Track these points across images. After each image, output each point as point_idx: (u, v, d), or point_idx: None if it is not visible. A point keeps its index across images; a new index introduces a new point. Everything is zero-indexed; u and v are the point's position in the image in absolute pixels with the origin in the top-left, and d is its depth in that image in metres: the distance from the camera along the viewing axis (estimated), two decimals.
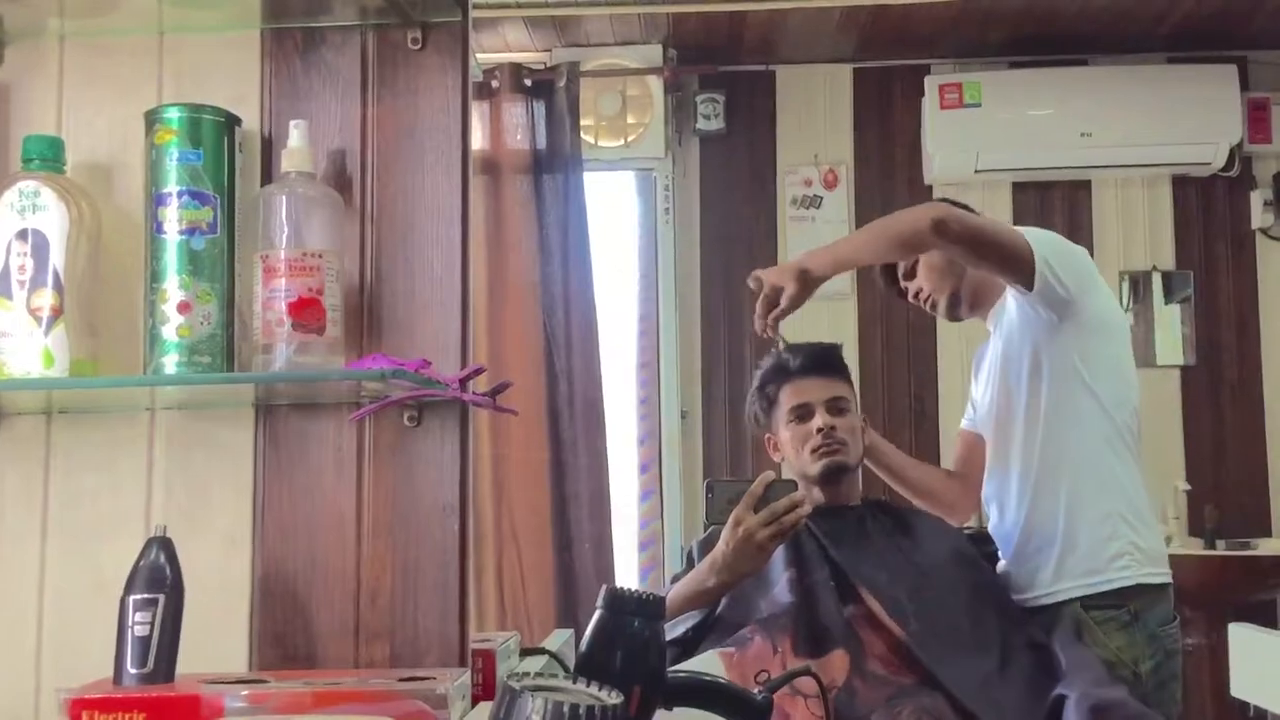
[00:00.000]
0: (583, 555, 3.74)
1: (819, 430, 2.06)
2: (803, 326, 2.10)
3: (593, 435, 3.81)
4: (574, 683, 0.83)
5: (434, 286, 1.24)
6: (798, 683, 1.78)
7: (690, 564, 2.09)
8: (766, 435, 2.19)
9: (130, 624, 1.07)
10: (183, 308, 1.14)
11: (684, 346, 3.92)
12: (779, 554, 1.93)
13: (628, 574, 3.85)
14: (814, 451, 2.06)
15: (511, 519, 3.65)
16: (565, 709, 0.76)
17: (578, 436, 3.82)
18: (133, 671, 1.06)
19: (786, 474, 2.10)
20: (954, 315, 2.23)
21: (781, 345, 2.07)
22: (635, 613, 1.45)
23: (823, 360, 2.17)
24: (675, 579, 2.10)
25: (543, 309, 3.80)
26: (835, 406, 2.10)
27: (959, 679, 1.80)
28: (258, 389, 1.20)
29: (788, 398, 2.12)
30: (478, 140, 3.58)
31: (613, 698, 0.80)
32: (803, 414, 2.10)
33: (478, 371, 1.16)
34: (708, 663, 1.82)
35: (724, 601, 1.96)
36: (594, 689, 0.82)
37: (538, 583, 3.66)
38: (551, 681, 0.83)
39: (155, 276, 1.15)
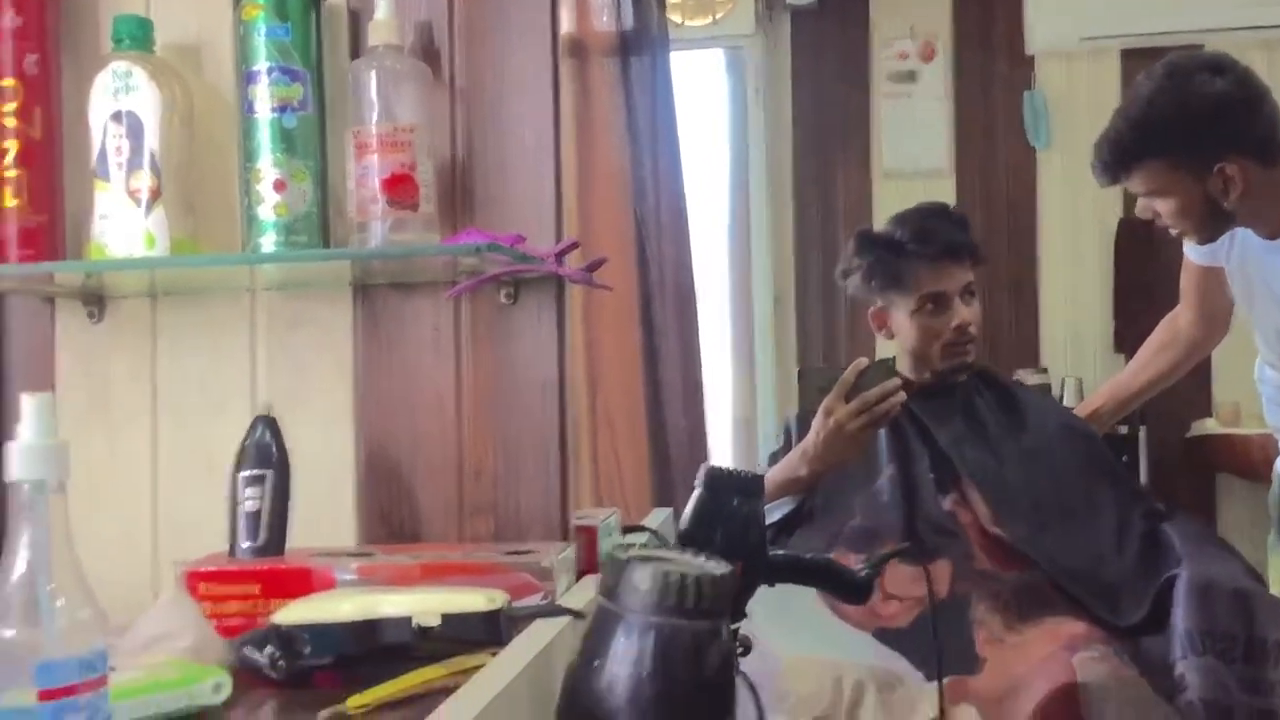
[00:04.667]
0: (677, 440, 3.75)
1: (955, 327, 1.89)
2: (901, 207, 2.00)
3: (685, 321, 3.78)
4: (681, 553, 0.83)
5: (526, 161, 1.21)
6: (897, 590, 1.74)
7: (787, 440, 2.04)
8: (873, 308, 2.02)
9: (241, 499, 1.09)
10: (278, 186, 1.13)
11: (775, 230, 3.85)
12: (878, 441, 1.86)
13: (721, 459, 3.86)
14: (945, 347, 1.90)
15: (606, 404, 3.65)
16: (674, 577, 0.75)
17: (669, 323, 3.78)
18: (245, 545, 1.09)
19: (888, 352, 2.02)
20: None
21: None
22: (735, 491, 1.44)
23: (962, 241, 1.93)
24: (773, 457, 2.06)
25: (632, 195, 3.75)
26: (968, 293, 1.92)
27: (1067, 567, 1.76)
28: (354, 269, 1.20)
29: (920, 282, 1.91)
30: (562, 23, 3.52)
31: (720, 567, 0.79)
32: (936, 304, 1.91)
33: (573, 245, 1.14)
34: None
35: (819, 493, 1.92)
36: (701, 559, 0.81)
37: (632, 467, 3.68)
38: (658, 552, 0.82)
39: (249, 155, 1.14)
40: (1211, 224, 1.83)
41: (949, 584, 1.76)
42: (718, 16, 3.75)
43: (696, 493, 1.46)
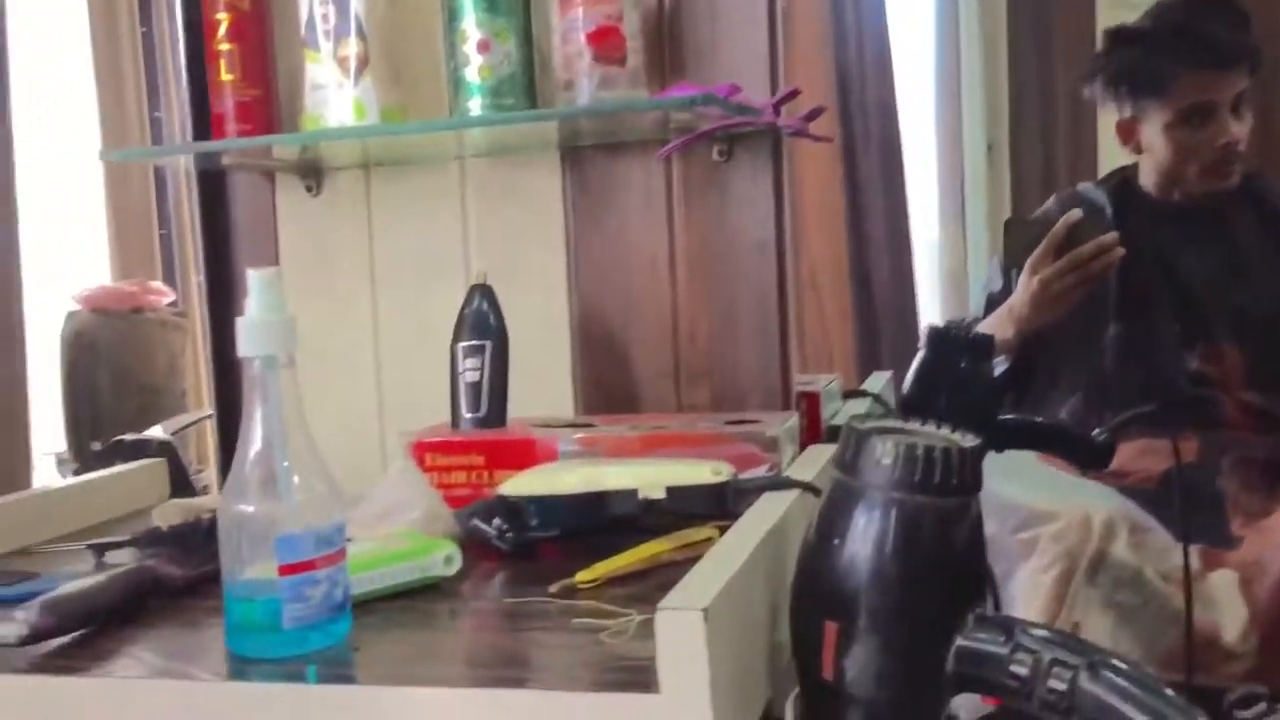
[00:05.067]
0: (884, 299, 3.64)
1: (1222, 145, 1.64)
2: None
3: (891, 174, 3.63)
4: (922, 425, 0.77)
5: (736, 5, 1.13)
6: (1137, 466, 1.62)
7: (1006, 282, 1.88)
8: (1121, 118, 1.77)
9: (461, 370, 1.09)
10: (482, 47, 1.09)
11: (989, 74, 3.61)
12: (1106, 287, 1.66)
13: (930, 314, 3.73)
14: (1205, 168, 1.67)
15: (810, 264, 3.57)
16: (919, 451, 0.69)
17: (874, 175, 3.65)
18: (467, 416, 1.09)
19: (1109, 134, 1.79)
20: None
21: None
22: (962, 351, 1.35)
23: (1238, 43, 1.64)
24: (989, 302, 1.89)
25: (834, 42, 3.58)
26: (1240, 104, 1.65)
27: None
28: (562, 131, 1.15)
29: (1182, 89, 1.65)
30: None
31: (968, 439, 0.73)
32: (1200, 116, 1.66)
33: (793, 94, 1.06)
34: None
35: (1038, 353, 1.78)
36: (946, 431, 0.75)
37: (839, 328, 3.61)
38: (897, 424, 0.77)
39: (452, 15, 1.10)
40: None
41: (1196, 456, 1.63)
42: None
43: (921, 354, 1.38)
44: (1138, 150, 1.76)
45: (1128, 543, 1.40)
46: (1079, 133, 3.51)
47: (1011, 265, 1.69)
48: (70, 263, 3.09)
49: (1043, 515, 1.50)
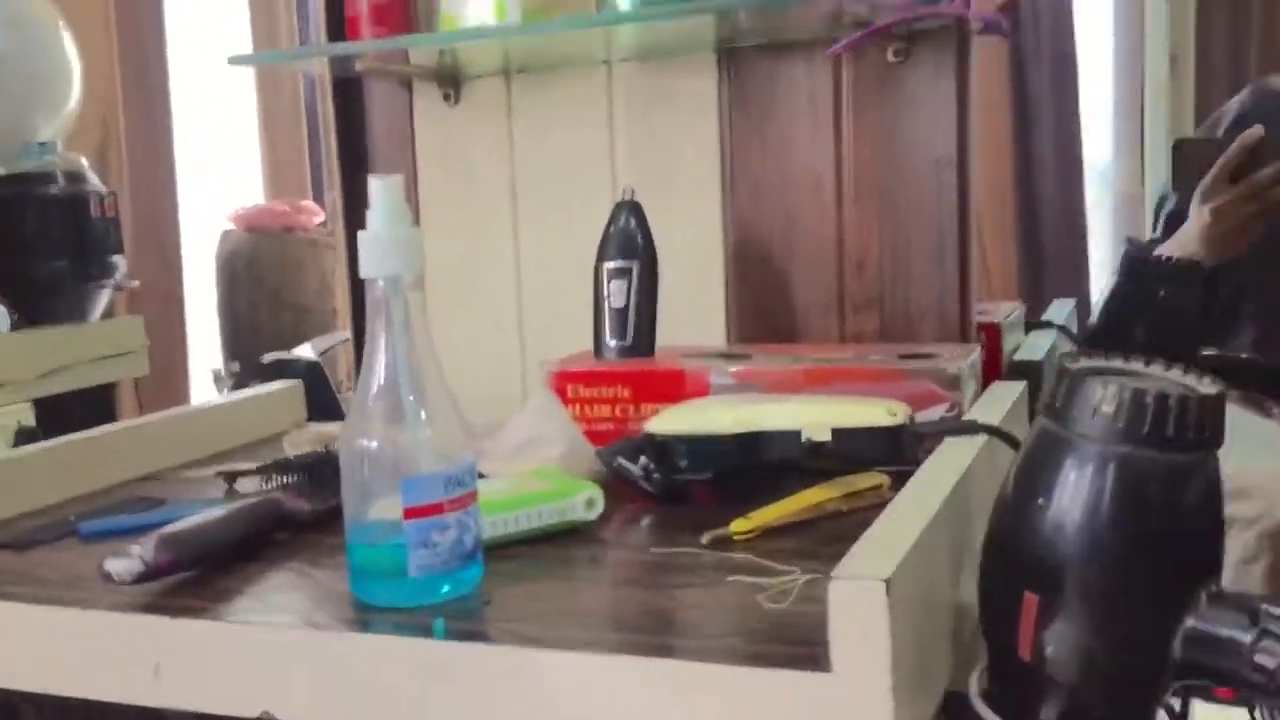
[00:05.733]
0: (1050, 218, 3.43)
1: None
2: None
3: (1063, 88, 3.40)
4: (1146, 366, 0.65)
5: None
6: None
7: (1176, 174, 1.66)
8: None
9: (606, 294, 1.00)
10: None
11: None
12: None
13: (1099, 243, 3.50)
14: None
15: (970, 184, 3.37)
16: (1149, 398, 0.58)
17: (1045, 90, 3.42)
18: (612, 344, 1.01)
19: None
20: None
21: None
22: (1164, 279, 1.21)
23: None
24: (1168, 221, 1.70)
25: None
26: None
27: None
28: (720, 30, 1.05)
29: None
30: None
31: (1208, 385, 0.61)
32: None
33: None
34: None
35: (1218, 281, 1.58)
36: (1177, 373, 0.63)
37: (999, 253, 3.42)
38: (1114, 364, 0.65)
39: None
40: None
41: None
42: None
43: (1115, 281, 1.23)
44: None
45: None
46: (1275, 43, 3.22)
47: (1181, 189, 1.49)
48: (225, 179, 3.12)
49: (1234, 491, 1.34)
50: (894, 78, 1.03)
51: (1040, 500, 0.61)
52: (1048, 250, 3.46)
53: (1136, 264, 1.30)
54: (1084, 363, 0.63)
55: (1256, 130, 1.42)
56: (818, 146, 1.07)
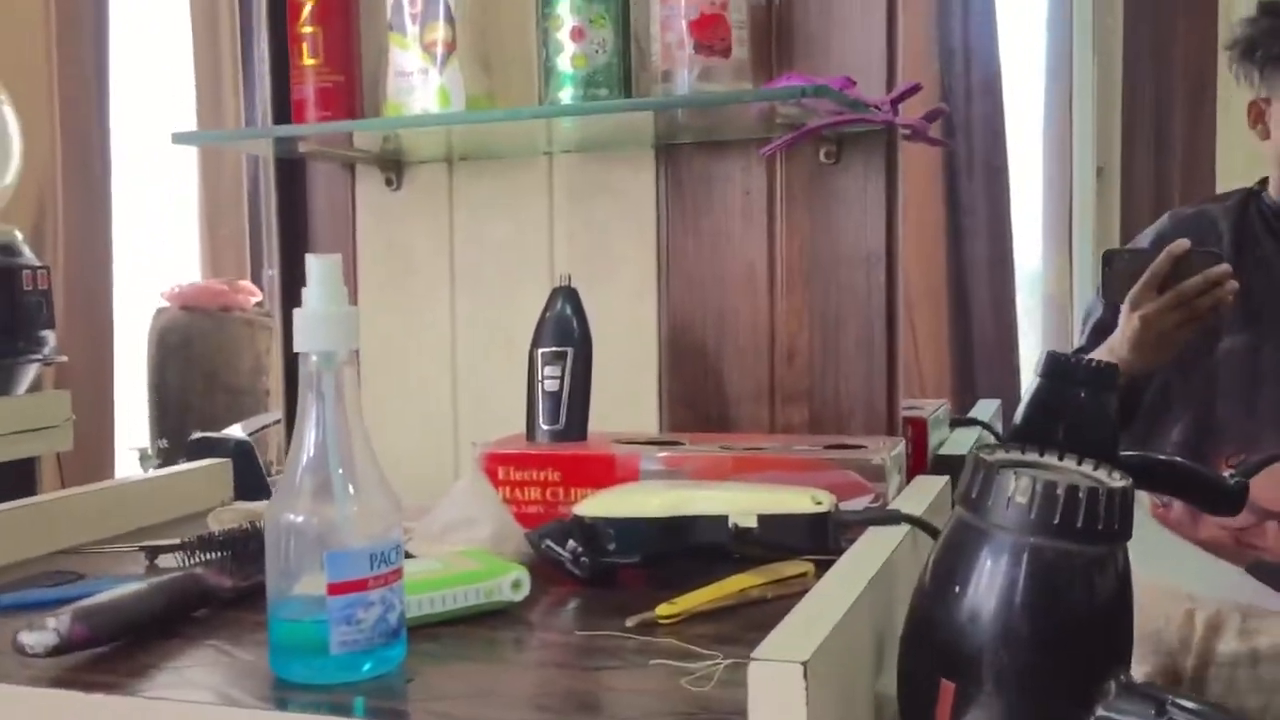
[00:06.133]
0: (981, 322, 3.51)
1: None
2: None
3: (994, 195, 3.50)
4: (1060, 460, 0.67)
5: None
6: (1263, 499, 1.49)
7: (1113, 312, 1.73)
8: (1253, 97, 1.64)
9: (540, 378, 1.01)
10: (576, 34, 1.02)
11: (1101, 93, 3.46)
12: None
13: (1030, 345, 3.59)
14: None
15: (906, 283, 3.44)
16: (1060, 490, 0.60)
17: (977, 196, 3.53)
18: (545, 428, 1.01)
19: (1229, 157, 1.66)
20: None
21: None
22: (1084, 381, 1.24)
23: None
24: (1095, 331, 1.75)
25: (940, 62, 3.47)
26: None
27: None
28: (658, 126, 1.08)
29: None
30: None
31: (1117, 480, 0.63)
32: None
33: (914, 90, 0.97)
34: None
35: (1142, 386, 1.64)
36: (1088, 468, 0.65)
37: (933, 352, 3.49)
38: (1028, 457, 0.67)
39: (546, 1, 1.04)
40: None
41: None
42: None
43: (1038, 382, 1.26)
44: (1265, 136, 1.61)
45: (1239, 630, 1.26)
46: (1196, 158, 3.35)
47: (1111, 300, 1.55)
48: (163, 256, 3.10)
49: (1145, 600, 1.36)
50: (825, 177, 1.07)
51: (957, 588, 0.62)
52: (979, 351, 3.53)
53: (1058, 364, 1.35)
54: (1000, 455, 0.65)
55: (1183, 242, 1.49)
56: (751, 241, 1.10)
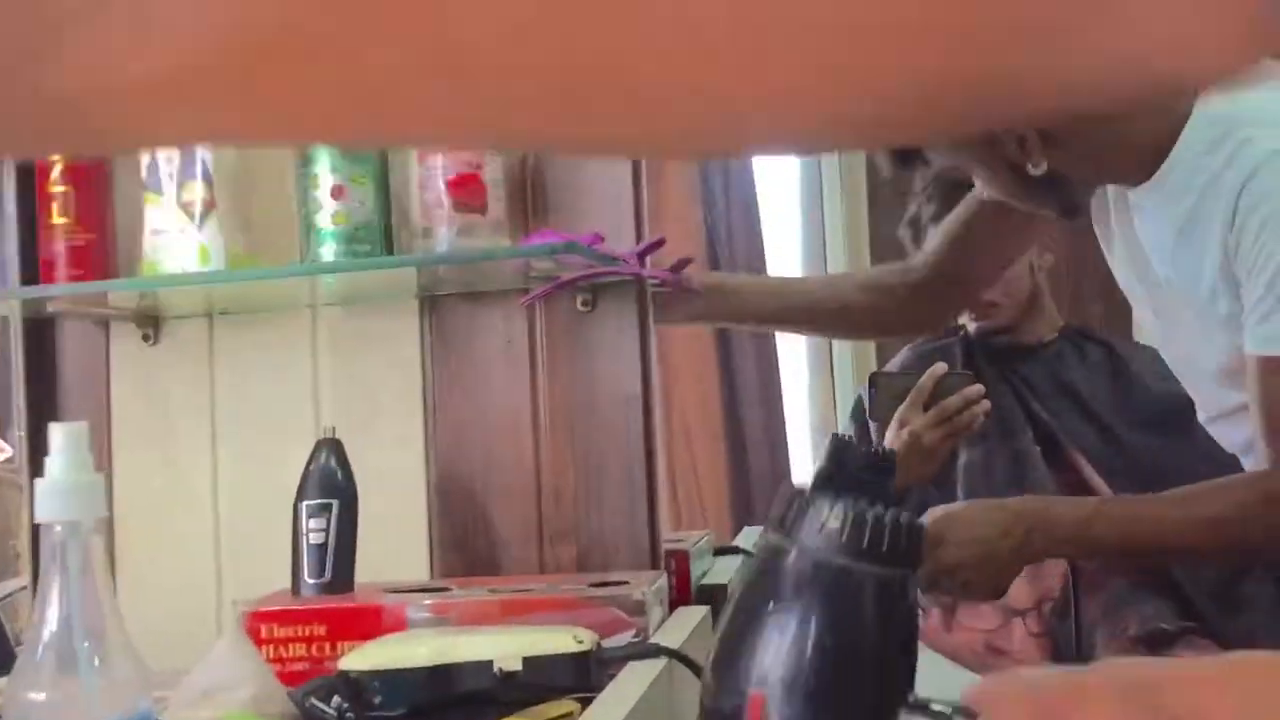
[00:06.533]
0: (757, 451, 3.64)
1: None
2: None
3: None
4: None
5: None
6: (1009, 598, 1.62)
7: (863, 434, 1.89)
8: None
9: (305, 531, 1.01)
10: (336, 193, 1.05)
11: (851, 229, 3.73)
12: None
13: (804, 467, 3.74)
14: (970, 316, 1.81)
15: (683, 416, 3.57)
16: (869, 516, 0.65)
17: (745, 334, 3.69)
18: (310, 581, 1.01)
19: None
20: None
21: None
22: (864, 466, 1.32)
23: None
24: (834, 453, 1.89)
25: (702, 199, 3.66)
26: None
27: (1190, 577, 1.61)
28: (421, 279, 1.11)
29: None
30: None
31: (905, 517, 0.69)
32: None
33: (658, 244, 1.04)
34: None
35: (908, 505, 1.78)
36: (879, 508, 0.71)
37: (712, 480, 3.59)
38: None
39: (305, 161, 1.07)
40: (1039, 195, 1.25)
41: (1061, 578, 1.63)
42: None
43: (820, 464, 1.35)
44: None
45: None
46: None
47: (879, 419, 1.69)
48: None
49: None
50: (583, 324, 1.12)
51: (769, 605, 0.66)
52: (756, 478, 3.65)
53: (840, 447, 1.46)
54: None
55: (941, 365, 1.66)
56: (515, 387, 1.14)
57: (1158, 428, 1.69)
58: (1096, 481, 1.70)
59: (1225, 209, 1.13)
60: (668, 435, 3.59)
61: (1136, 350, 1.85)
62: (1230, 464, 1.62)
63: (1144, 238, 1.26)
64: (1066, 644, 1.61)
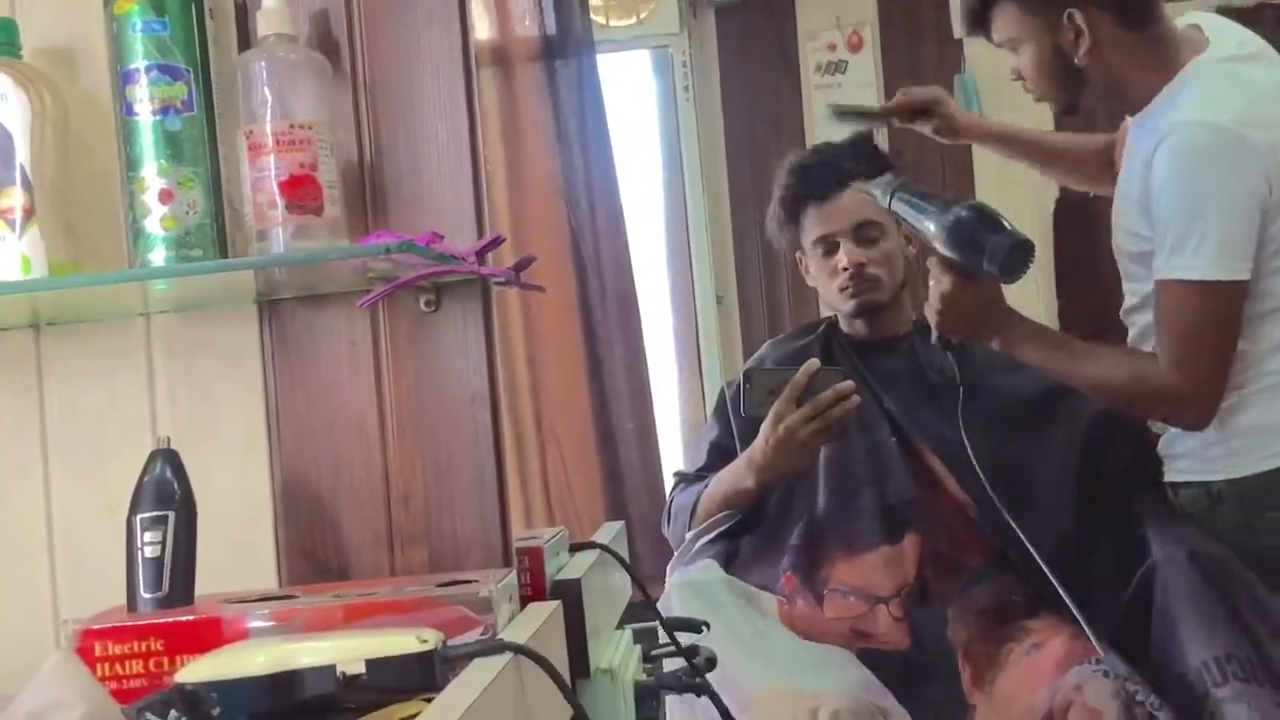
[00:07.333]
0: (627, 449, 3.67)
1: (844, 269, 1.82)
2: None
3: (628, 327, 3.71)
4: None
5: (440, 155, 1.11)
6: (872, 586, 1.67)
7: (722, 413, 1.92)
8: (797, 254, 1.95)
9: (140, 545, 0.98)
10: (164, 196, 1.02)
11: (714, 230, 3.78)
12: None
13: (673, 463, 3.78)
14: (842, 290, 1.84)
15: (552, 418, 3.57)
16: None
17: (612, 330, 3.72)
18: (147, 596, 0.98)
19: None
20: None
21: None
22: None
23: (844, 173, 1.85)
24: (712, 449, 1.92)
25: (566, 202, 3.67)
26: (864, 236, 1.83)
27: (1034, 551, 1.68)
28: (258, 283, 1.09)
29: (810, 225, 1.86)
30: (484, 30, 3.41)
31: None
32: (828, 246, 1.85)
33: (496, 241, 1.04)
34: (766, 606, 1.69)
35: (773, 499, 1.81)
36: None
37: (583, 480, 3.60)
38: None
39: (131, 164, 1.04)
40: (1066, 84, 1.66)
41: (917, 564, 1.68)
42: (641, 16, 3.68)
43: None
44: (813, 284, 1.91)
45: None
46: (802, 287, 3.69)
47: (752, 414, 1.73)
48: None
49: (772, 702, 1.47)
50: (427, 325, 1.11)
51: None
52: (627, 475, 3.67)
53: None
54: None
55: (814, 361, 1.71)
56: (360, 390, 1.12)
57: (1001, 420, 1.75)
58: (944, 473, 1.76)
59: (1147, 158, 1.54)
60: (539, 438, 3.59)
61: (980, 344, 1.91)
62: (1066, 460, 1.72)
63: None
64: (925, 625, 1.66)
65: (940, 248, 1.61)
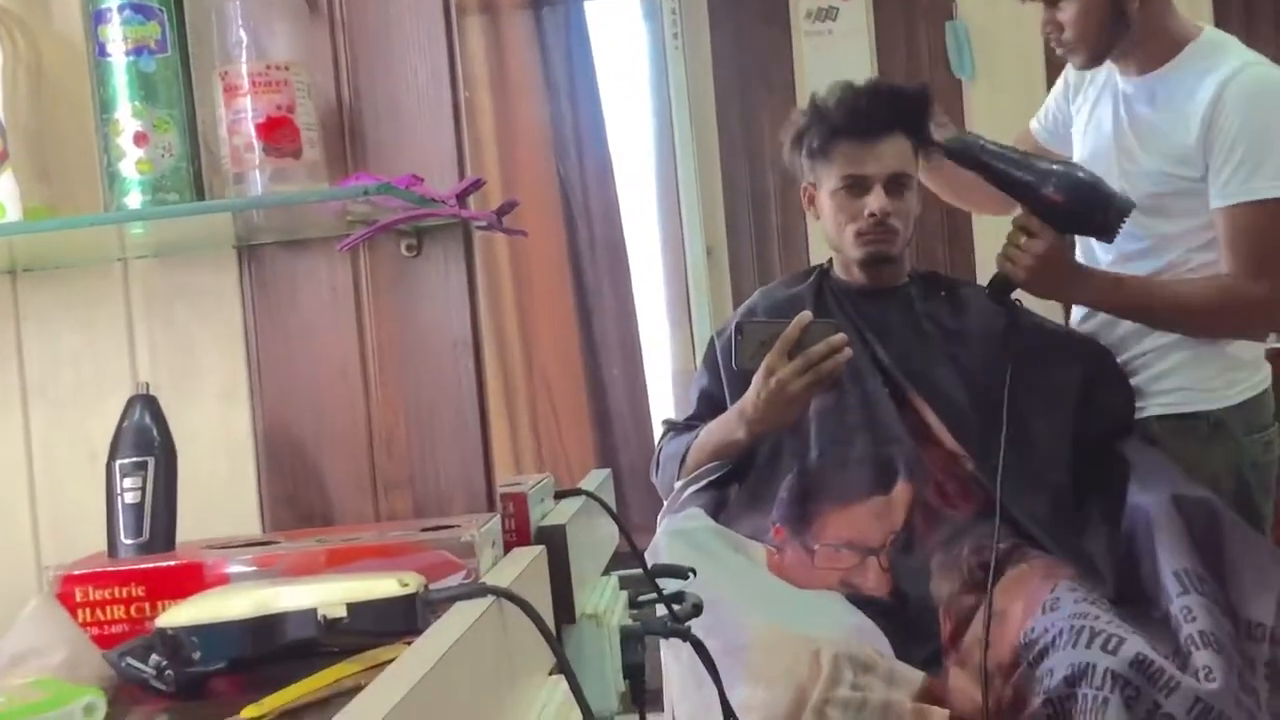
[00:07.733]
0: (616, 397, 3.67)
1: (871, 215, 1.78)
2: None
3: (617, 277, 3.70)
4: None
5: (420, 96, 1.10)
6: (863, 537, 1.67)
7: (712, 362, 1.91)
8: (805, 185, 1.89)
9: (120, 491, 0.98)
10: (139, 139, 1.01)
11: (704, 179, 3.75)
12: None
13: (663, 413, 3.78)
14: (859, 235, 1.80)
15: (543, 365, 3.57)
16: None
17: (602, 279, 3.71)
18: (128, 542, 0.98)
19: (818, 235, 1.94)
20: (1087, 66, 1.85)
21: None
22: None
23: (897, 117, 1.80)
24: (702, 397, 1.91)
25: (555, 151, 3.64)
26: (896, 184, 1.79)
27: (1023, 504, 1.68)
28: (237, 227, 1.08)
29: (840, 162, 1.79)
30: None
31: None
32: (855, 187, 1.79)
33: (477, 184, 1.03)
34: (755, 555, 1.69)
35: (763, 449, 1.80)
36: None
37: (573, 427, 3.61)
38: None
39: (105, 106, 1.02)
40: (1111, 32, 1.72)
41: (906, 513, 1.68)
42: None
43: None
44: (817, 216, 1.87)
45: (853, 684, 1.40)
46: (791, 237, 3.68)
47: (743, 366, 1.71)
48: None
49: (774, 642, 1.47)
50: (408, 269, 1.10)
51: None
52: (617, 424, 3.68)
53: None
54: None
55: (806, 314, 1.69)
56: (341, 335, 1.11)
57: (994, 366, 1.74)
58: (937, 424, 1.75)
59: (1209, 99, 1.66)
60: (530, 385, 3.59)
61: (975, 291, 1.90)
62: (1058, 401, 1.72)
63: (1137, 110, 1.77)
64: (909, 576, 1.66)
65: (1051, 200, 1.63)
